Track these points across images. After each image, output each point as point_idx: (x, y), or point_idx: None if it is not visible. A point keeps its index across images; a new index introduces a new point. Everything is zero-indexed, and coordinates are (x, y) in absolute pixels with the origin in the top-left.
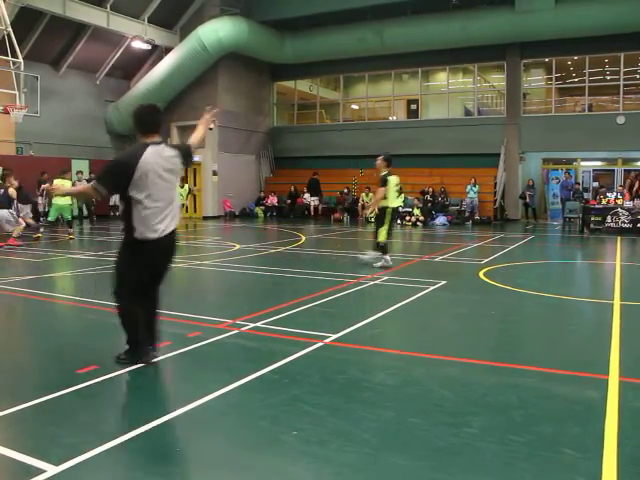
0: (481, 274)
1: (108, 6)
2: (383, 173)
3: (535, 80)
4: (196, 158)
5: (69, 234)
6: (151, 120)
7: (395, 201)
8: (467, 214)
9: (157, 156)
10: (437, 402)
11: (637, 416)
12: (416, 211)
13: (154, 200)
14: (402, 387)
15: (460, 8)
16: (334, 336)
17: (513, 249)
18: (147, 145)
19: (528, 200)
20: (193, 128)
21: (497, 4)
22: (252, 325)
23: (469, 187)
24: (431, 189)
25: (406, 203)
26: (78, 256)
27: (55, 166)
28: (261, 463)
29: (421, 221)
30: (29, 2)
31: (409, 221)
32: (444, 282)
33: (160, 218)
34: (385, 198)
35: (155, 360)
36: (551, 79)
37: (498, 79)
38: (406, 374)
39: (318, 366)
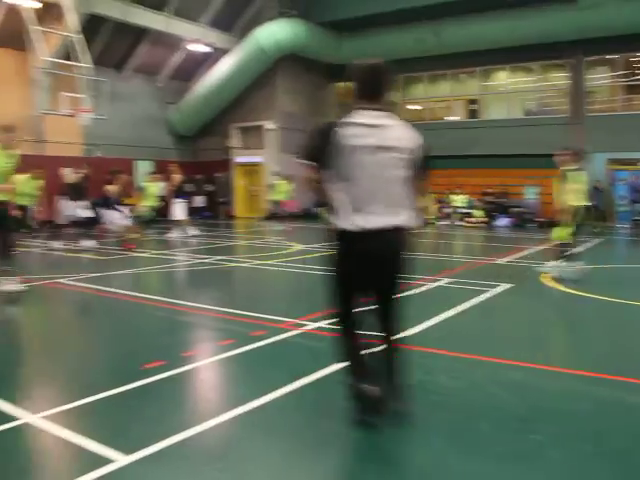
0: (546, 277)
1: (169, 10)
2: (571, 167)
3: (600, 78)
4: (257, 159)
5: (139, 234)
6: (374, 78)
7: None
8: (529, 216)
9: (370, 124)
10: (501, 407)
11: None
12: (477, 212)
13: (353, 179)
14: (467, 390)
15: (520, 5)
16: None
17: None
18: (356, 109)
19: (594, 202)
20: (253, 129)
21: (559, 0)
22: (315, 325)
23: (528, 188)
24: (493, 190)
25: (468, 204)
26: (144, 254)
27: (120, 167)
28: (321, 463)
29: (483, 222)
30: (94, 10)
31: (471, 222)
32: (508, 285)
33: (359, 206)
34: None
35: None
36: (616, 77)
37: (560, 77)
38: (471, 377)
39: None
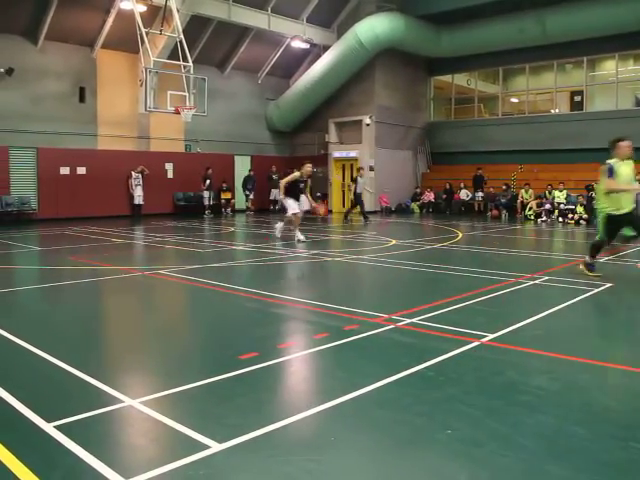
0: None
1: (269, 8)
2: None
3: None
4: (352, 154)
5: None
6: None
7: None
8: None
9: None
10: (602, 412)
11: None
12: (580, 209)
13: None
14: (563, 393)
15: None
16: (491, 336)
17: None
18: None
19: None
20: (350, 124)
21: None
22: (408, 321)
23: (634, 184)
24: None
25: (569, 200)
26: (241, 247)
27: (219, 162)
28: (414, 460)
29: (585, 219)
30: (199, 11)
31: (572, 219)
32: (610, 285)
33: None
34: None
35: None
36: None
37: None
38: (568, 380)
39: (474, 366)
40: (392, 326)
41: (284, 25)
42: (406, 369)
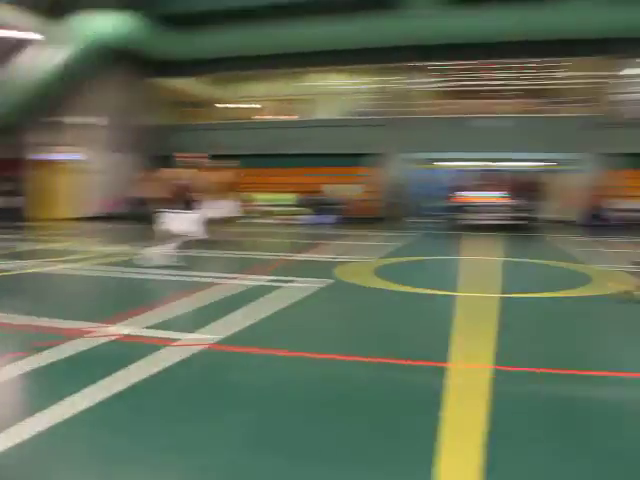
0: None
1: None
2: None
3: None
4: (74, 156)
5: None
6: None
7: None
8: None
9: None
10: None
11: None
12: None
13: None
14: (270, 389)
15: (343, 11)
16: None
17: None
18: None
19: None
20: (77, 125)
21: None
22: (115, 329)
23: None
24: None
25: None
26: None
27: None
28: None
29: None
30: None
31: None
32: (332, 281)
33: None
34: None
35: None
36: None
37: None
38: (276, 375)
39: (189, 372)
40: (87, 338)
41: None
42: (105, 385)
